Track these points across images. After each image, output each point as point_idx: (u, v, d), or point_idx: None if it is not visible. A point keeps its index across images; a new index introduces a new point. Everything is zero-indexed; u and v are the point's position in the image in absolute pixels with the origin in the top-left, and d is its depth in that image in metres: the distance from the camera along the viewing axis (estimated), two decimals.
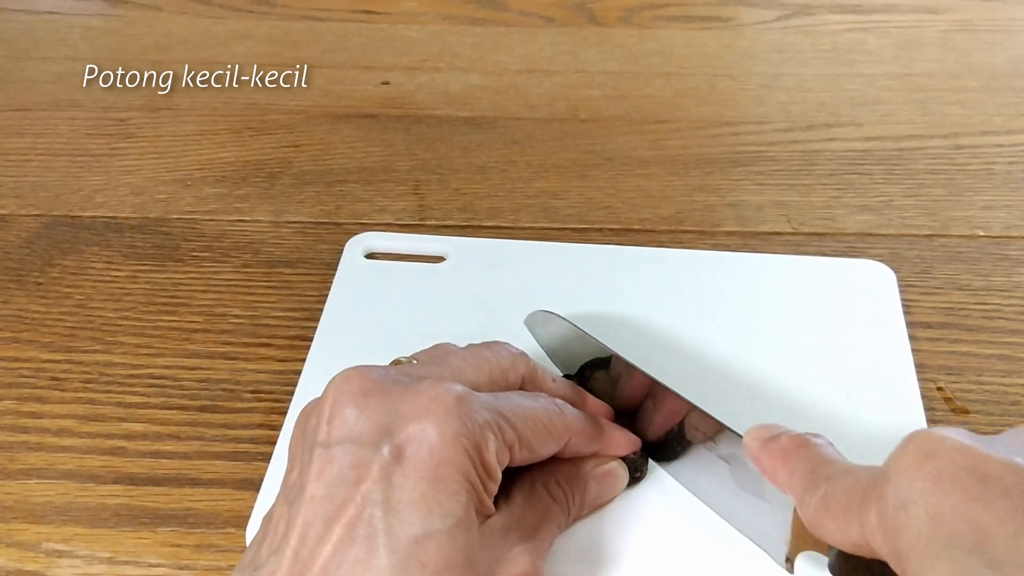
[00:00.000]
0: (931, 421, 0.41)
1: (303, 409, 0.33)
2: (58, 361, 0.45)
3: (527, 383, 0.36)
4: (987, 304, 0.47)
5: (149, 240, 0.52)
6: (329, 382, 0.32)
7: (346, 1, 0.75)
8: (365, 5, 0.75)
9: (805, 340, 0.44)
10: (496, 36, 0.71)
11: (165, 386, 0.44)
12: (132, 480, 0.40)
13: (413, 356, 0.35)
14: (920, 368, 0.43)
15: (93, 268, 0.50)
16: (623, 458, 0.37)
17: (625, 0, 0.75)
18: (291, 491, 0.31)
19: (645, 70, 0.67)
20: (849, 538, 0.28)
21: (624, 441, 0.37)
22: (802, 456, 0.31)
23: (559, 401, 0.35)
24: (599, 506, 0.36)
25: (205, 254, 0.51)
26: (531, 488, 0.34)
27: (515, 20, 0.73)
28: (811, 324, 0.45)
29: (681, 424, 0.37)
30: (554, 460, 0.35)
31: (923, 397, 0.41)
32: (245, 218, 0.54)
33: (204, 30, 0.72)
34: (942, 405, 0.42)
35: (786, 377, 0.42)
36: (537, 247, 0.50)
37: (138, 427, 0.42)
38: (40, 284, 0.49)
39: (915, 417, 0.40)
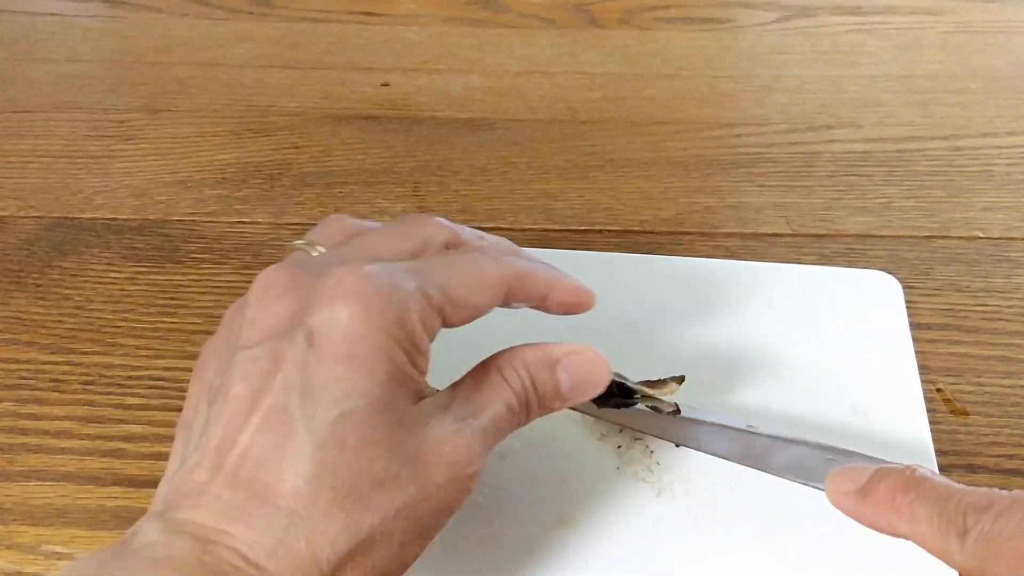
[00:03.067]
0: (932, 423, 0.41)
1: (227, 312, 0.33)
2: (58, 363, 0.45)
3: (452, 248, 0.34)
4: (987, 306, 0.47)
5: (149, 242, 0.52)
6: (252, 285, 0.31)
7: (346, 2, 0.75)
8: (365, 6, 0.75)
9: (811, 352, 0.43)
10: (496, 38, 0.71)
11: (165, 388, 0.44)
12: (132, 482, 0.40)
13: (315, 242, 0.34)
14: (920, 370, 0.43)
15: (93, 270, 0.50)
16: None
17: (625, 2, 0.75)
18: (211, 392, 0.30)
19: (645, 72, 0.67)
20: None
21: (575, 285, 0.34)
22: (914, 498, 0.28)
23: (491, 249, 0.34)
24: (574, 401, 0.34)
25: (205, 256, 0.51)
26: (484, 368, 0.32)
27: (515, 22, 0.73)
28: (817, 335, 0.44)
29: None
30: (518, 346, 0.33)
31: (923, 399, 0.41)
32: (245, 220, 0.54)
33: (204, 32, 0.72)
34: (942, 407, 0.42)
35: (792, 390, 0.41)
36: (536, 253, 0.49)
37: (137, 429, 0.42)
38: (40, 286, 0.49)
39: (920, 430, 0.40)
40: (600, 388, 0.34)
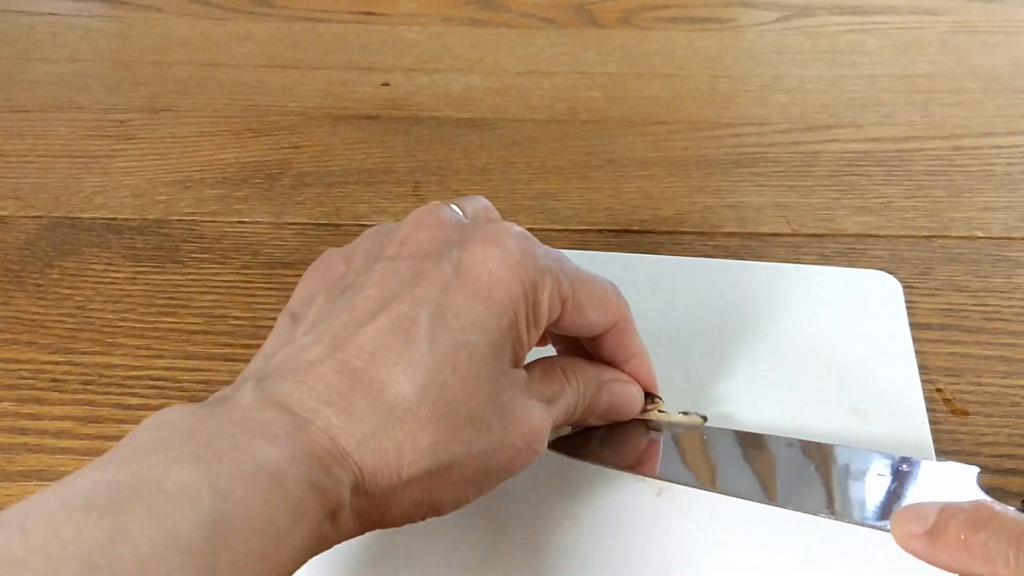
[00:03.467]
0: (932, 423, 0.41)
1: (368, 231, 0.34)
2: (57, 363, 0.45)
3: None
4: (986, 305, 0.47)
5: (149, 242, 0.52)
6: (409, 215, 0.33)
7: (346, 2, 0.75)
8: (365, 6, 0.75)
9: (811, 352, 0.43)
10: (496, 38, 0.71)
11: (165, 388, 0.44)
12: None
13: (457, 205, 0.35)
14: (920, 370, 0.43)
15: (93, 270, 0.50)
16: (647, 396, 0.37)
17: (625, 2, 0.75)
18: (339, 288, 0.32)
19: (645, 71, 0.67)
20: None
21: (653, 376, 0.37)
22: (987, 537, 0.27)
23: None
24: (606, 419, 0.37)
25: (205, 256, 0.51)
26: (550, 365, 0.34)
27: (515, 22, 0.73)
28: (817, 335, 0.44)
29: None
30: (576, 358, 0.36)
31: (923, 399, 0.41)
32: (245, 220, 0.54)
33: (204, 31, 0.72)
34: (942, 407, 0.42)
35: (792, 390, 0.41)
36: None
37: None
38: (39, 286, 0.49)
39: (920, 430, 0.39)
40: (624, 418, 0.37)
